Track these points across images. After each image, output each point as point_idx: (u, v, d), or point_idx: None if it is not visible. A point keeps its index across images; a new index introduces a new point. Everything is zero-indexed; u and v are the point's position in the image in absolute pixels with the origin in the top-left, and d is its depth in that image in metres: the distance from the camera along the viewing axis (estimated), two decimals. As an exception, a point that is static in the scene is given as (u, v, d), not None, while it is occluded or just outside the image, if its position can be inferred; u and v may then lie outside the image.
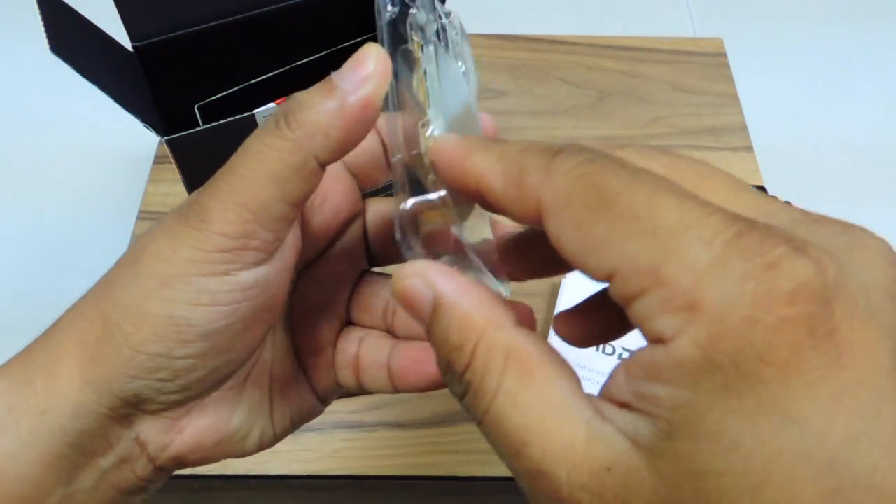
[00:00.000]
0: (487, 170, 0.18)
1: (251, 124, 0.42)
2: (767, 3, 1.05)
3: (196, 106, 0.51)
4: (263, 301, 0.21)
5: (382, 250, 0.26)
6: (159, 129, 0.40)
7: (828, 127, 0.89)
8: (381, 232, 0.26)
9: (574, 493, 0.15)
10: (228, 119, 0.42)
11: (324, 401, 0.26)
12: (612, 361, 0.44)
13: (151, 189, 0.60)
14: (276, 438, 0.25)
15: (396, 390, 0.25)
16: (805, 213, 0.17)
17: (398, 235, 0.20)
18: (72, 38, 0.39)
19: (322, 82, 0.21)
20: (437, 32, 0.22)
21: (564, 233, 0.16)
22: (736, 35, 0.81)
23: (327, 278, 0.25)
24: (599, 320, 0.21)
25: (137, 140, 0.63)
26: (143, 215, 0.58)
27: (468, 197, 0.19)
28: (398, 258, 0.25)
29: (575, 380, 0.17)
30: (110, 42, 0.44)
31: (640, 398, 0.15)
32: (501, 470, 0.46)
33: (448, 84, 0.21)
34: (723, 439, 0.14)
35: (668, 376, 0.14)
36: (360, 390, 0.25)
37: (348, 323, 0.26)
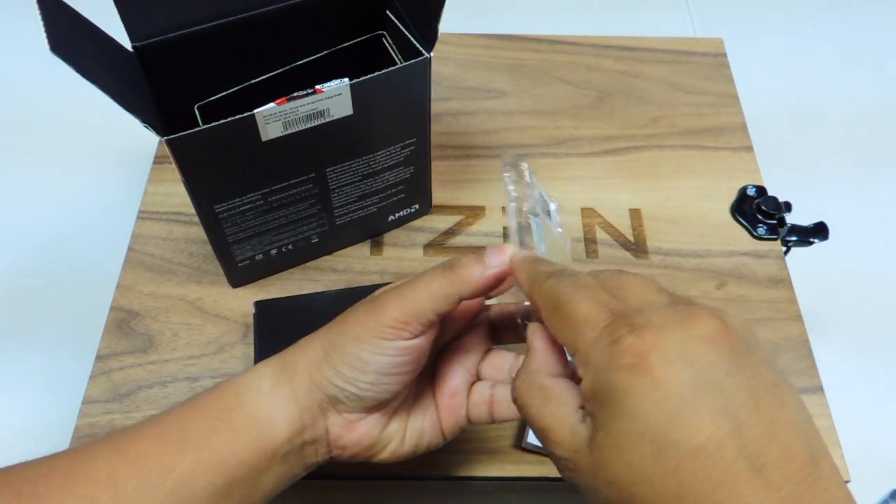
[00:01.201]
0: (529, 284, 0.33)
1: (251, 124, 0.42)
2: (767, 4, 1.05)
3: (196, 106, 0.51)
4: (410, 359, 0.35)
5: (501, 334, 0.41)
6: (159, 129, 0.40)
7: (827, 126, 0.89)
8: (499, 323, 0.41)
9: (561, 460, 0.29)
10: (228, 119, 0.42)
11: (445, 436, 0.39)
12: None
13: (151, 189, 0.60)
14: (402, 457, 0.38)
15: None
16: (672, 299, 0.29)
17: (518, 318, 0.37)
18: (72, 38, 0.39)
19: (479, 254, 0.35)
20: (547, 212, 0.38)
21: (546, 321, 0.31)
22: (736, 35, 0.81)
23: (465, 348, 0.40)
24: None
25: (137, 140, 0.63)
26: (143, 215, 0.58)
27: None
28: (513, 339, 0.40)
29: (574, 401, 0.30)
30: (110, 42, 0.44)
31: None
32: (500, 470, 0.46)
33: (548, 238, 0.37)
34: (603, 429, 0.27)
35: (584, 398, 0.28)
36: (488, 421, 0.39)
37: (477, 379, 0.40)
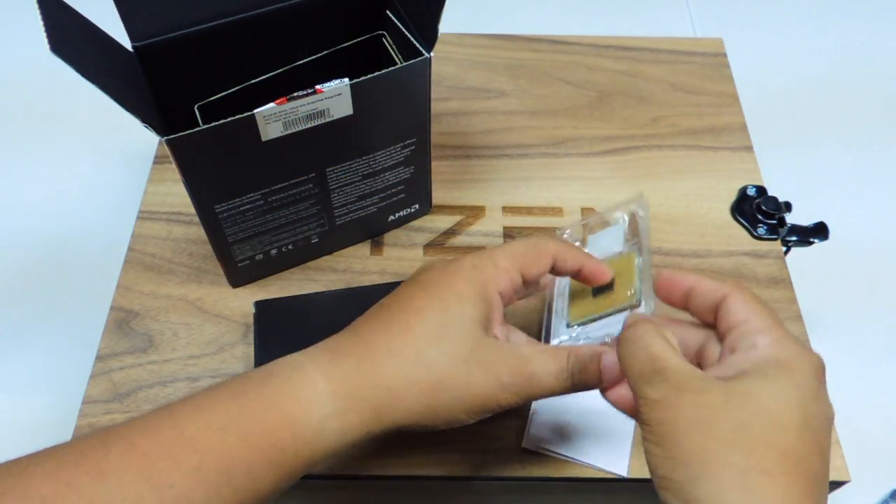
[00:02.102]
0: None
1: (251, 124, 0.42)
2: (767, 4, 1.05)
3: (196, 106, 0.51)
4: None
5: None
6: (159, 129, 0.40)
7: (828, 126, 0.89)
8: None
9: (656, 382, 0.32)
10: (228, 119, 0.42)
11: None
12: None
13: (151, 189, 0.60)
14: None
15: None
16: (783, 332, 0.34)
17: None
18: (72, 38, 0.39)
19: (599, 362, 0.37)
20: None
21: (746, 303, 0.35)
22: (736, 35, 0.81)
23: None
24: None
25: (137, 140, 0.63)
26: (143, 215, 0.58)
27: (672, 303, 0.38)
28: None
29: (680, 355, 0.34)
30: (110, 42, 0.44)
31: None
32: (501, 470, 0.46)
33: (645, 273, 0.43)
34: (763, 378, 0.31)
35: (760, 357, 0.33)
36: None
37: None
